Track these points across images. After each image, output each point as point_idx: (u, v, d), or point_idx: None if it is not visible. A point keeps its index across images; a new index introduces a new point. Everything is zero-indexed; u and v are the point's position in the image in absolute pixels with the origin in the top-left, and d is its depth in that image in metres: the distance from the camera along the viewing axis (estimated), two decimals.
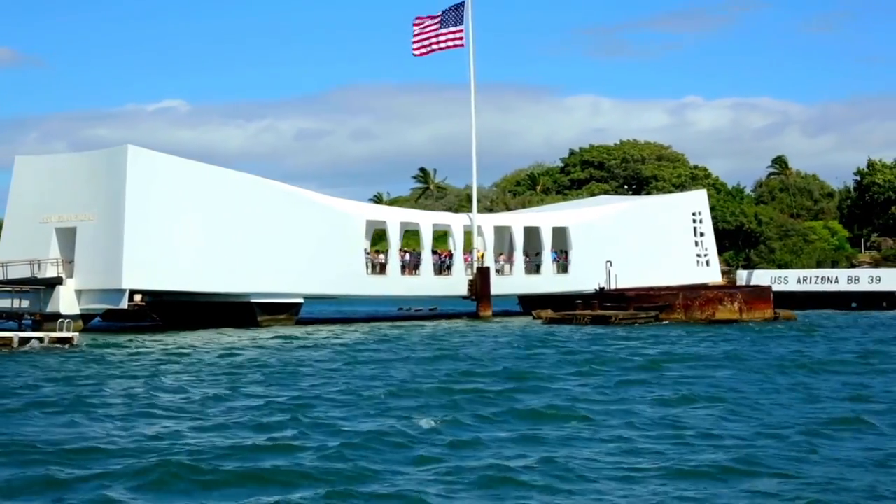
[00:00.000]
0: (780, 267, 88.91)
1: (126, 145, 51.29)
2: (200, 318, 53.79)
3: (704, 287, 59.78)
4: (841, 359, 33.78)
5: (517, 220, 65.78)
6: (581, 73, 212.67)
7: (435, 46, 62.64)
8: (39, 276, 50.22)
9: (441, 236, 69.54)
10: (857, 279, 68.78)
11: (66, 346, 40.33)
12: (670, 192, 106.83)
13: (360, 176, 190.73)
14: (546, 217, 66.80)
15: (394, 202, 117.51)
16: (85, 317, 51.02)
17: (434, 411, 22.05)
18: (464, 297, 62.73)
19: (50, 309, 49.14)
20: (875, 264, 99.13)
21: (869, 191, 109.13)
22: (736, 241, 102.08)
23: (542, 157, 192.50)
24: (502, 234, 65.12)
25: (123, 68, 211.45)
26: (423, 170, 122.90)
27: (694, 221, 71.18)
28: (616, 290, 57.71)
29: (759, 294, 53.75)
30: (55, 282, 49.77)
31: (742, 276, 74.73)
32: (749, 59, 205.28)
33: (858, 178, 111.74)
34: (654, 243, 67.82)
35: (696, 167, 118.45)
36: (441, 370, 30.74)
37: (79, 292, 50.12)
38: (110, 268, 49.59)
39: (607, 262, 59.35)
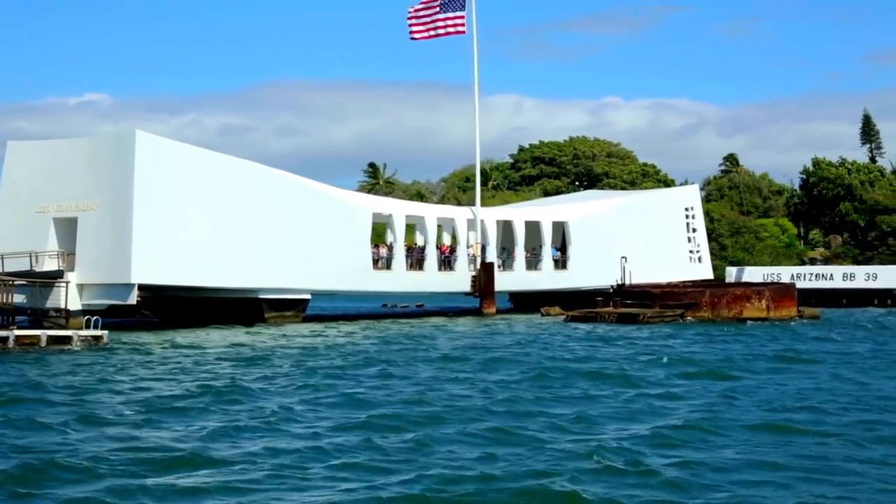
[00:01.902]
0: (731, 264, 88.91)
1: (134, 130, 48.09)
2: (201, 315, 50.79)
3: (729, 284, 58.72)
4: None
5: (518, 215, 63.84)
6: (504, 73, 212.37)
7: (433, 32, 60.35)
8: (38, 269, 46.73)
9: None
10: (852, 276, 68.59)
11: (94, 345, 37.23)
12: (623, 188, 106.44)
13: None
14: (547, 211, 65.04)
15: None
16: (86, 313, 47.54)
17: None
18: (466, 294, 60.62)
19: (50, 304, 45.62)
20: (825, 261, 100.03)
21: (816, 188, 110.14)
22: None
23: (466, 155, 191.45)
24: (507, 228, 63.10)
25: (44, 61, 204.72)
26: (372, 165, 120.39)
27: (686, 217, 70.23)
28: (638, 286, 56.19)
29: (784, 291, 52.77)
30: (55, 275, 46.25)
31: (731, 272, 74.11)
32: (667, 61, 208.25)
33: (804, 176, 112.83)
34: (649, 239, 66.60)
35: (645, 164, 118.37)
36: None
37: (80, 287, 46.67)
38: (117, 261, 46.32)
39: (622, 257, 57.86)
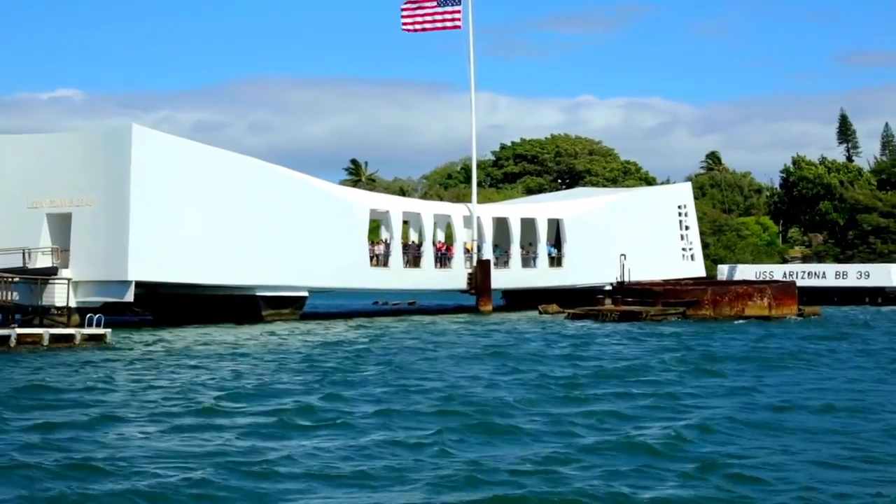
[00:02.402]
0: (714, 262, 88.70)
1: (130, 123, 47.02)
2: (196, 313, 49.81)
3: (730, 282, 58.35)
4: None
5: (514, 212, 63.14)
6: (479, 71, 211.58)
7: (429, 25, 59.54)
8: (30, 266, 45.63)
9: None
10: (844, 274, 68.42)
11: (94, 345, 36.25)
12: (604, 186, 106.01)
13: None
14: (542, 208, 64.40)
15: None
16: (81, 311, 46.46)
17: None
18: (462, 291, 59.89)
19: (45, 302, 44.51)
20: (805, 259, 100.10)
21: (796, 187, 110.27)
22: None
23: (443, 152, 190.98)
24: (501, 225, 62.38)
25: (15, 56, 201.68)
26: (354, 161, 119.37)
27: (679, 215, 69.83)
28: (639, 284, 55.70)
29: (786, 290, 52.42)
30: (49, 272, 45.17)
31: (723, 270, 73.79)
32: (640, 60, 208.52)
33: (784, 175, 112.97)
34: (643, 236, 66.08)
35: (627, 162, 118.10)
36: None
37: (75, 284, 45.55)
38: (113, 257, 45.24)
39: (621, 255, 57.31)
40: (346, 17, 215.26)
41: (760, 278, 66.79)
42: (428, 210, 59.05)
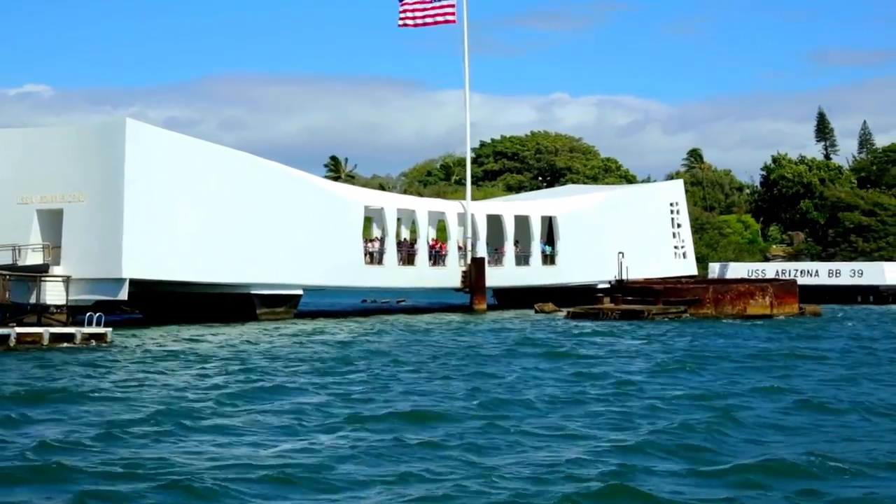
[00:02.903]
0: (696, 260, 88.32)
1: (124, 118, 45.93)
2: (189, 312, 48.71)
3: (731, 281, 57.84)
4: None
5: (508, 209, 62.30)
6: (452, 68, 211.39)
7: (420, 21, 58.67)
8: (21, 263, 44.37)
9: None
10: (838, 273, 68.10)
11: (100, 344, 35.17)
12: (585, 183, 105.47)
13: None
14: (536, 206, 63.59)
15: None
16: (71, 309, 45.17)
17: None
18: (456, 290, 58.99)
19: (35, 300, 43.17)
20: (788, 258, 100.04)
21: (777, 185, 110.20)
22: None
23: (415, 150, 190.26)
24: (493, 223, 61.47)
25: None
26: (334, 158, 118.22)
27: (671, 212, 69.28)
28: (639, 282, 55.07)
29: (787, 288, 51.98)
30: (40, 269, 43.88)
31: (714, 268, 73.34)
32: (613, 58, 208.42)
33: (765, 173, 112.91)
34: (636, 234, 65.34)
35: (608, 159, 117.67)
36: None
37: (67, 281, 44.26)
38: (107, 254, 44.11)
39: (619, 253, 56.65)
40: (318, 13, 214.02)
41: (753, 276, 66.41)
42: (423, 207, 58.11)
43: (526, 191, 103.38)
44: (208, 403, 21.17)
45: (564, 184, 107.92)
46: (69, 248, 44.77)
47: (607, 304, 52.83)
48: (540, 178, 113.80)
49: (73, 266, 44.28)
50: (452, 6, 58.36)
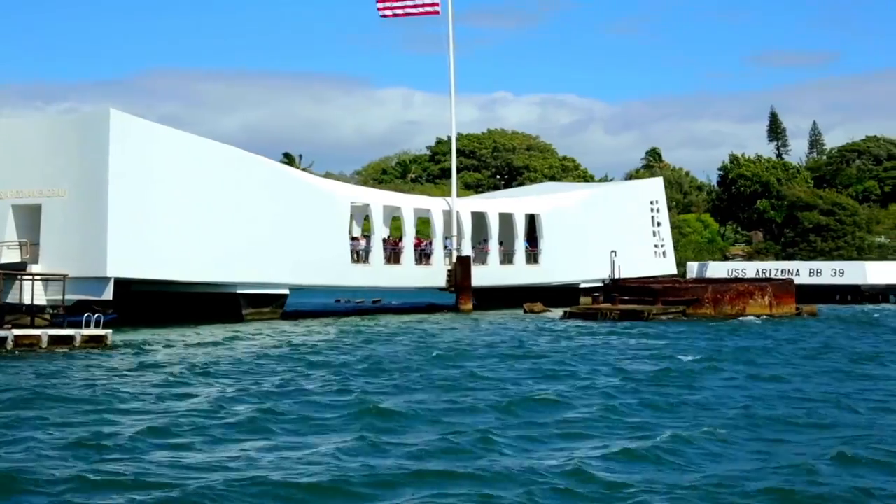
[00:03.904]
0: None
1: (107, 109, 43.47)
2: (171, 312, 46.48)
3: (730, 280, 56.81)
4: None
5: (492, 207, 60.63)
6: (393, 66, 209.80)
7: (401, 11, 56.80)
8: None
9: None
10: (819, 272, 67.52)
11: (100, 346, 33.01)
12: (542, 181, 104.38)
13: None
14: (519, 203, 62.02)
15: None
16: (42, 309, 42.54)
17: None
18: (441, 289, 57.19)
19: (12, 300, 40.62)
20: (748, 257, 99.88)
21: (735, 185, 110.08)
22: None
23: (357, 148, 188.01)
24: (478, 221, 59.80)
25: None
26: (287, 155, 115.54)
27: (652, 210, 68.16)
28: (635, 282, 53.80)
29: (785, 288, 51.07)
30: (18, 267, 41.36)
31: (693, 268, 72.41)
32: (556, 57, 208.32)
33: (722, 172, 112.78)
34: (618, 233, 63.96)
35: (565, 158, 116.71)
36: None
37: (44, 280, 41.74)
38: (90, 252, 41.74)
39: (612, 251, 55.32)
40: (257, 8, 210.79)
41: (734, 276, 65.63)
42: (409, 204, 56.27)
43: (484, 190, 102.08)
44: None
45: (522, 183, 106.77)
46: (48, 245, 42.40)
47: (602, 303, 51.52)
48: (498, 177, 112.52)
49: (52, 264, 41.85)
50: None
